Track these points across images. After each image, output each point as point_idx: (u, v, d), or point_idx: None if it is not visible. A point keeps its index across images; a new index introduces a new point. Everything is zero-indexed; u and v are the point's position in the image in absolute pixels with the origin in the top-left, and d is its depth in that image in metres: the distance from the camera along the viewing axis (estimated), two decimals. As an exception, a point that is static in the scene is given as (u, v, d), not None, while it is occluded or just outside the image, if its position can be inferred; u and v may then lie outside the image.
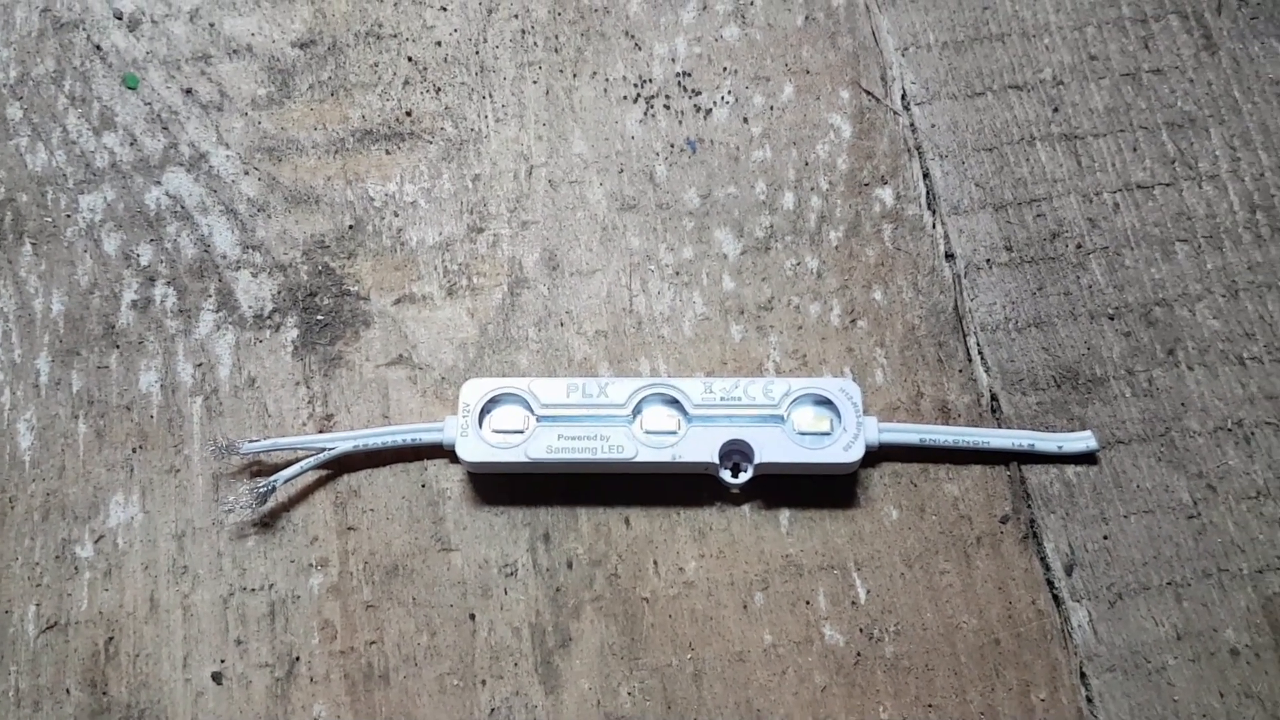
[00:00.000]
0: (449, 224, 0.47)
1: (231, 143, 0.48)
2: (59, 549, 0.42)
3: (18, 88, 0.49)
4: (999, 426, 0.43)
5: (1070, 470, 0.43)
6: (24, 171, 0.47)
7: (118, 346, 0.45)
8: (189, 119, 0.48)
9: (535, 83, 0.49)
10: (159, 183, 0.47)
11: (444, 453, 0.43)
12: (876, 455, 0.43)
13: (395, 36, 0.50)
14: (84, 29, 0.50)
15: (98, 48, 0.49)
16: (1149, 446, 0.43)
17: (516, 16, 0.50)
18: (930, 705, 0.40)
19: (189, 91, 0.49)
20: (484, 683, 0.40)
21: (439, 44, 0.49)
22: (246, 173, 0.47)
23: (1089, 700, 0.40)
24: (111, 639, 0.41)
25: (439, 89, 0.49)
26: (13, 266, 0.46)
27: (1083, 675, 0.40)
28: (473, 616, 0.41)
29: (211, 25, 0.50)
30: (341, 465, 0.43)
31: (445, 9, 0.50)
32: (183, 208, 0.47)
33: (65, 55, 0.49)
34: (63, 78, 0.49)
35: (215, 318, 0.45)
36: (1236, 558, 0.41)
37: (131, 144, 0.48)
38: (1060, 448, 0.42)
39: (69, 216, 0.47)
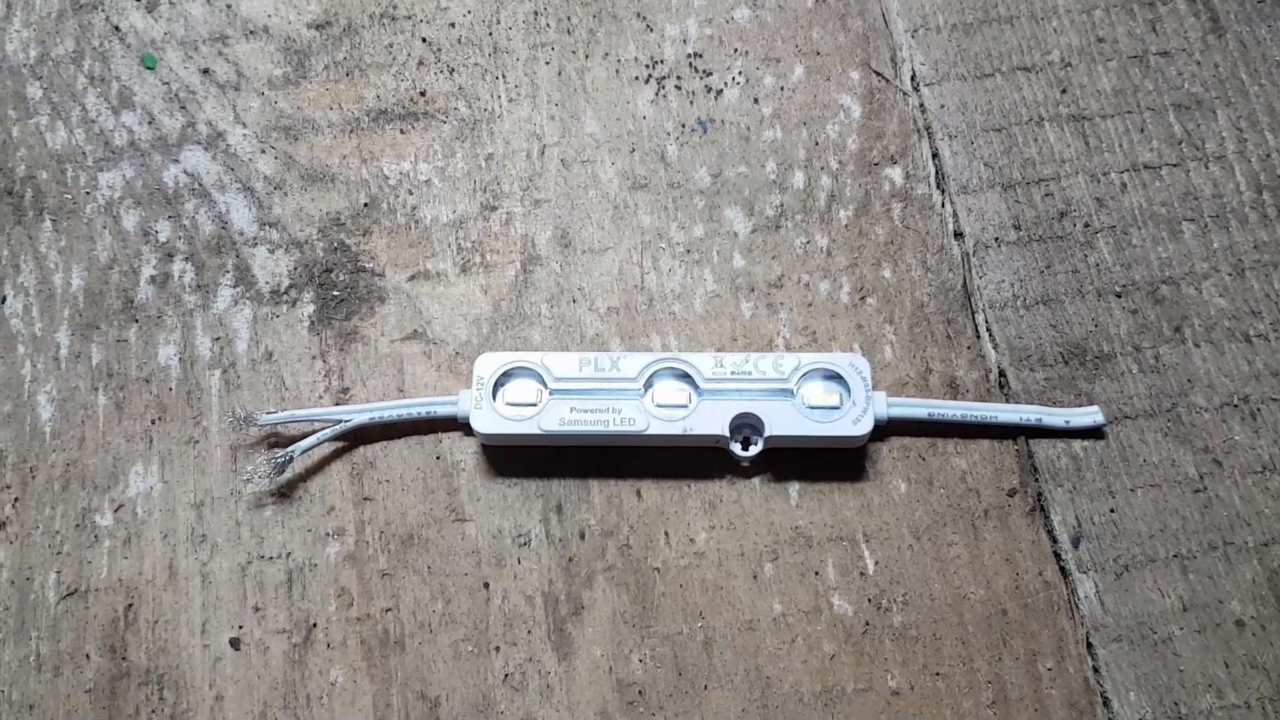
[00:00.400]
0: (463, 202, 0.47)
1: (248, 122, 0.49)
2: (79, 518, 0.43)
3: (38, 67, 0.49)
4: (1007, 402, 0.44)
5: (1077, 444, 0.43)
6: (44, 149, 0.48)
7: (137, 321, 0.45)
8: (206, 98, 0.49)
9: (548, 63, 0.49)
10: (177, 160, 0.48)
11: (458, 425, 0.44)
12: (885, 429, 0.43)
13: (410, 18, 0.50)
14: (103, 10, 0.50)
15: (116, 28, 0.50)
16: (1155, 422, 0.43)
17: (530, -2, 0.50)
18: (938, 674, 0.40)
19: (206, 71, 0.49)
20: (498, 649, 0.41)
21: (453, 25, 0.50)
22: (263, 151, 0.48)
23: (1095, 670, 0.40)
24: (131, 605, 0.42)
25: (453, 69, 0.49)
26: (33, 242, 0.47)
27: (1089, 645, 0.41)
28: (487, 585, 0.42)
29: (228, 6, 0.50)
30: (358, 437, 0.44)
31: (460, -9, 0.51)
32: (200, 185, 0.47)
33: (84, 35, 0.50)
34: (82, 58, 0.50)
35: (233, 293, 0.46)
36: (1242, 531, 0.42)
37: (150, 123, 0.49)
38: (1067, 422, 0.43)
39: (88, 193, 0.47)
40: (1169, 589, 0.41)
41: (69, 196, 0.47)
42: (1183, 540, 0.42)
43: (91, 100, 0.49)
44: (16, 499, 0.43)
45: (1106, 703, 0.40)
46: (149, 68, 0.49)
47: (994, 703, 0.40)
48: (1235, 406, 0.43)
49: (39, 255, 0.46)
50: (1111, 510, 0.42)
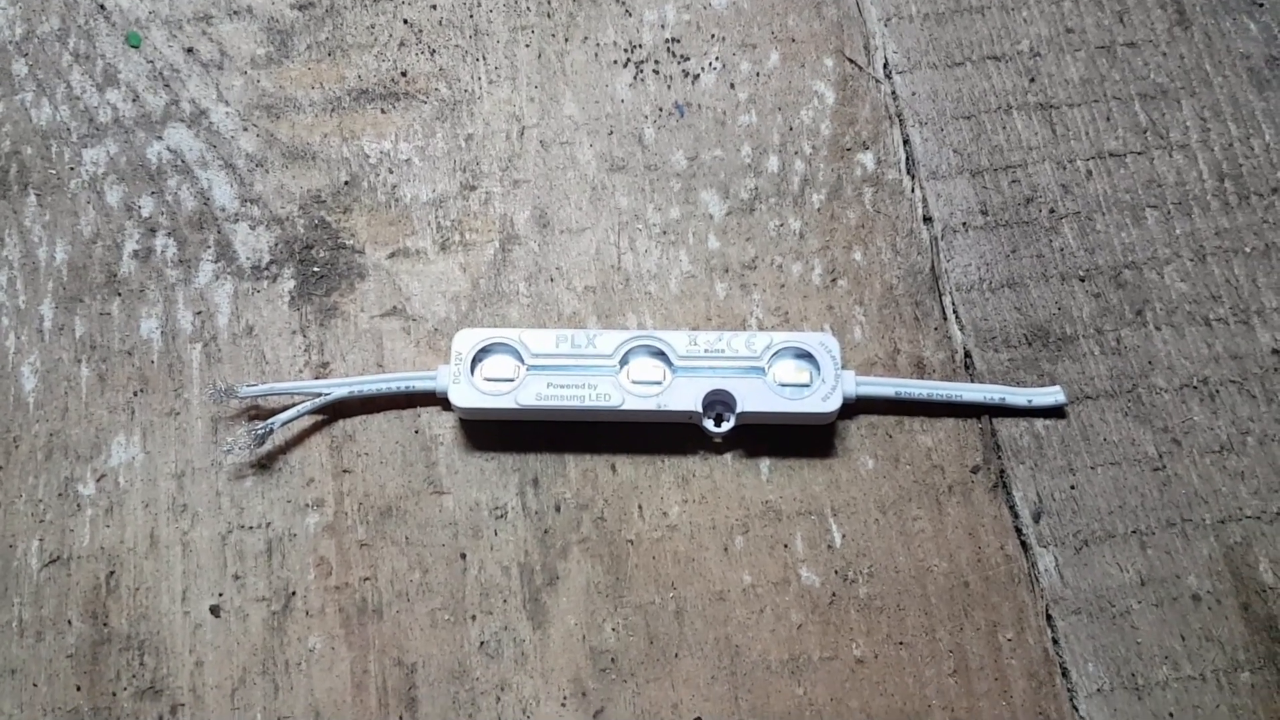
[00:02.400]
0: (442, 181, 0.48)
1: (231, 100, 0.49)
2: (62, 487, 0.43)
3: (23, 44, 0.50)
4: (972, 381, 0.45)
5: (1039, 423, 0.44)
6: (29, 125, 0.49)
7: (119, 294, 0.46)
8: (190, 77, 0.50)
9: (528, 46, 0.50)
10: (160, 138, 0.48)
11: (436, 400, 0.44)
12: (854, 407, 0.44)
13: (391, 0, 0.51)
14: (88, -12, 0.51)
15: (101, 6, 0.51)
16: (1116, 402, 0.45)
17: (511, -18, 0.51)
18: (901, 643, 0.42)
19: (190, 50, 0.50)
20: (474, 618, 0.42)
21: (434, 7, 0.51)
22: (245, 129, 0.49)
23: (1054, 641, 0.41)
24: (112, 573, 0.42)
25: (434, 51, 0.50)
26: (17, 216, 0.47)
27: (1049, 617, 0.42)
28: (463, 556, 0.43)
29: (213, -14, 0.51)
30: (337, 411, 0.44)
31: (441, -26, 0.51)
32: (183, 162, 0.48)
33: (69, 13, 0.50)
34: (67, 35, 0.50)
35: (214, 268, 0.46)
36: (1199, 508, 0.43)
37: (134, 100, 0.49)
38: (1030, 402, 0.44)
39: (72, 169, 0.48)
40: (1127, 564, 0.42)
41: (53, 172, 0.48)
42: (1141, 517, 0.43)
43: (76, 77, 0.49)
44: (0, 468, 0.43)
45: (1065, 673, 0.41)
46: (134, 46, 0.50)
47: (955, 671, 0.41)
48: (1194, 388, 0.45)
49: (23, 229, 0.47)
50: (1072, 487, 0.43)
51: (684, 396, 0.43)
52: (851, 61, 0.50)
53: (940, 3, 0.51)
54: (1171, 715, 0.41)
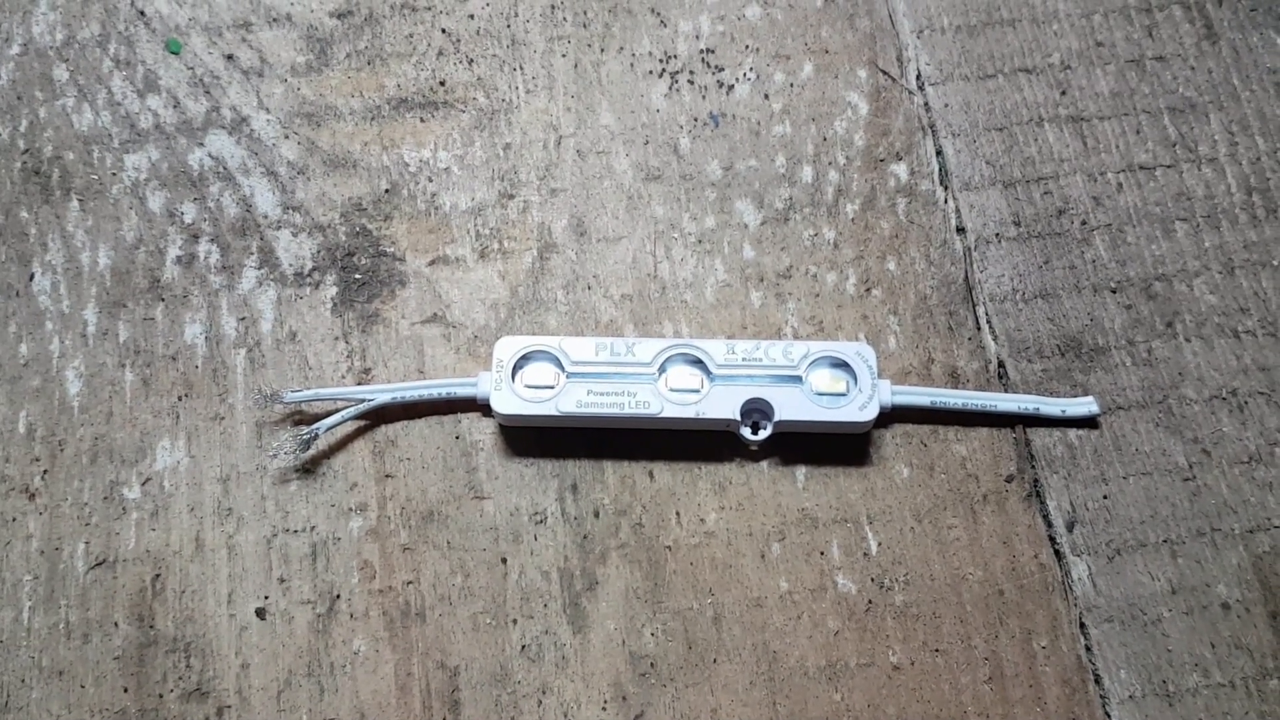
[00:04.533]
0: (481, 190, 0.49)
1: (272, 108, 0.50)
2: (107, 490, 0.44)
3: (64, 50, 0.50)
4: (1005, 391, 0.46)
5: (1072, 433, 0.45)
6: (70, 131, 0.49)
7: (163, 300, 0.47)
8: (230, 84, 0.50)
9: (564, 56, 0.51)
10: (202, 144, 0.49)
11: (477, 406, 0.45)
12: (889, 416, 0.45)
13: (430, 9, 0.51)
14: (128, -5, 0.51)
15: (141, 13, 0.51)
16: (1148, 413, 0.45)
17: (547, -8, 0.52)
18: (937, 650, 0.42)
19: (230, 57, 0.50)
20: (515, 621, 0.42)
21: (472, 17, 0.51)
22: (286, 137, 0.49)
23: (1088, 649, 0.42)
24: (158, 576, 0.43)
25: (471, 60, 0.51)
26: (60, 221, 0.48)
27: (1082, 625, 0.42)
28: (504, 560, 0.43)
29: (252, -6, 0.52)
30: (379, 416, 0.45)
31: (479, -17, 0.52)
32: (225, 169, 0.49)
33: (110, 19, 0.51)
34: (107, 41, 0.51)
35: (257, 274, 0.47)
36: (1229, 518, 0.44)
37: (175, 106, 0.50)
38: (1063, 412, 0.45)
39: (114, 175, 0.48)
40: (1159, 573, 0.43)
41: (95, 177, 0.48)
42: (1172, 526, 0.44)
43: (117, 83, 0.50)
44: (45, 471, 0.44)
45: (1098, 680, 0.42)
46: (174, 53, 0.50)
47: (990, 679, 0.42)
48: (1224, 399, 0.45)
49: (66, 234, 0.47)
50: (1105, 497, 0.44)
51: (722, 405, 0.43)
52: (885, 73, 0.50)
53: (972, 15, 0.51)
54: (1202, 722, 0.41)
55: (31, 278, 0.47)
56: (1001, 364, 0.46)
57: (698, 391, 0.44)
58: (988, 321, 0.47)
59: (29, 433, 0.45)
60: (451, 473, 0.44)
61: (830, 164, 0.49)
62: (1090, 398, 0.45)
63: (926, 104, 0.50)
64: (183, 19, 0.51)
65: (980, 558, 0.43)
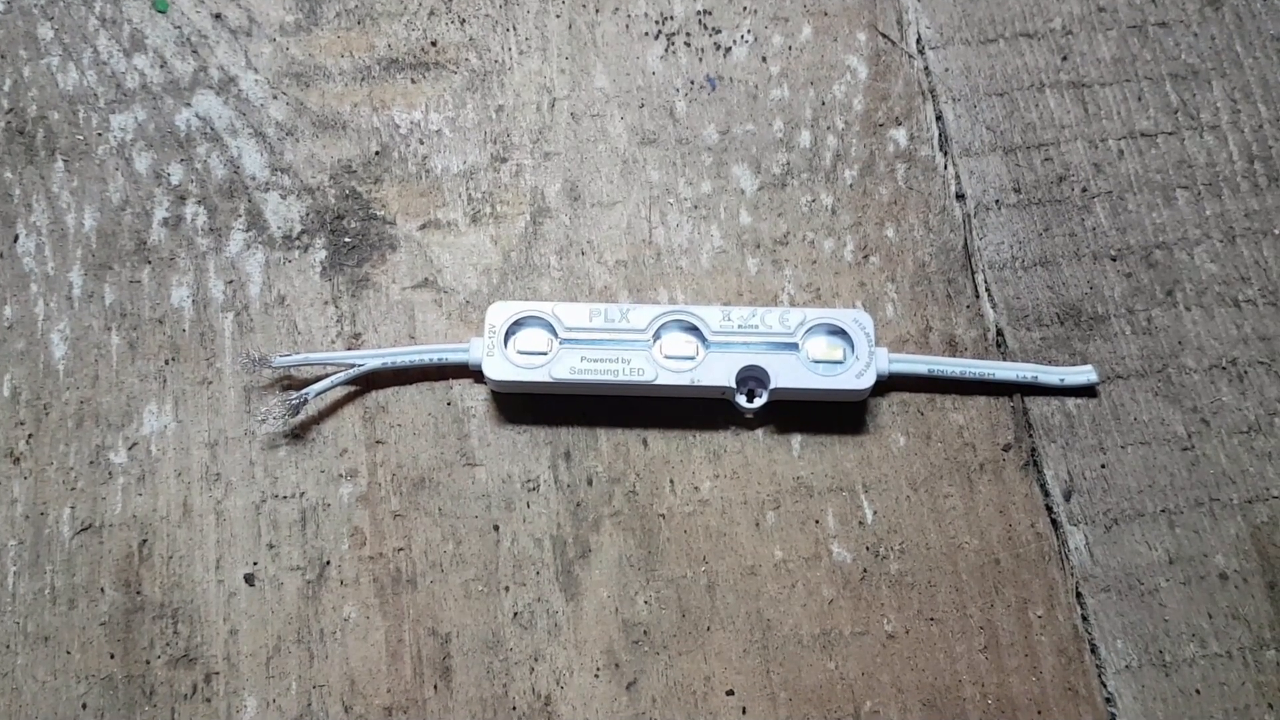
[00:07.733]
0: (473, 153, 0.48)
1: (260, 68, 0.49)
2: (93, 454, 0.43)
3: (49, 8, 0.49)
4: (1004, 360, 0.45)
5: (1071, 402, 0.44)
6: (55, 90, 0.48)
7: (149, 262, 0.46)
8: (218, 43, 0.49)
9: (558, 16, 0.50)
10: (189, 104, 0.48)
11: (469, 372, 0.44)
12: (886, 384, 0.44)
13: (422, -32, 0.51)
14: (114, -49, 0.50)
15: (127, -29, 0.50)
16: (1147, 382, 0.45)
17: (542, -48, 0.51)
18: (932, 619, 0.42)
19: (218, 16, 0.50)
20: (507, 589, 0.42)
21: (465, -23, 0.50)
22: (275, 97, 0.48)
23: (1084, 618, 0.42)
24: (145, 541, 0.42)
25: (463, 20, 0.50)
26: (45, 182, 0.47)
27: (1078, 594, 0.42)
28: (496, 528, 0.43)
29: (241, -48, 0.51)
30: (370, 382, 0.44)
31: (472, -58, 0.51)
32: (212, 129, 0.48)
33: (95, -23, 0.50)
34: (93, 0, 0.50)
35: (245, 237, 0.46)
36: (1227, 488, 0.43)
37: (161, 66, 0.49)
38: (1062, 381, 0.44)
39: (100, 135, 0.48)
40: (1156, 542, 0.43)
41: (80, 138, 0.48)
42: (1170, 496, 0.43)
43: (103, 42, 0.49)
44: (30, 435, 0.43)
45: (1094, 649, 0.41)
46: (161, 11, 0.50)
47: (985, 648, 0.41)
48: (1223, 369, 0.45)
49: (51, 195, 0.47)
50: (1102, 466, 0.44)
51: (717, 372, 0.43)
52: (884, 36, 0.50)
53: (973, -21, 0.50)
54: (1198, 692, 0.41)
55: (16, 239, 0.46)
56: (1000, 332, 0.45)
57: (693, 359, 0.43)
58: (986, 289, 0.46)
59: (13, 396, 0.44)
60: (443, 439, 0.44)
61: (829, 129, 0.48)
62: (1089, 366, 0.44)
63: (926, 68, 0.49)
64: (169, -23, 0.50)
65: (976, 526, 0.43)
